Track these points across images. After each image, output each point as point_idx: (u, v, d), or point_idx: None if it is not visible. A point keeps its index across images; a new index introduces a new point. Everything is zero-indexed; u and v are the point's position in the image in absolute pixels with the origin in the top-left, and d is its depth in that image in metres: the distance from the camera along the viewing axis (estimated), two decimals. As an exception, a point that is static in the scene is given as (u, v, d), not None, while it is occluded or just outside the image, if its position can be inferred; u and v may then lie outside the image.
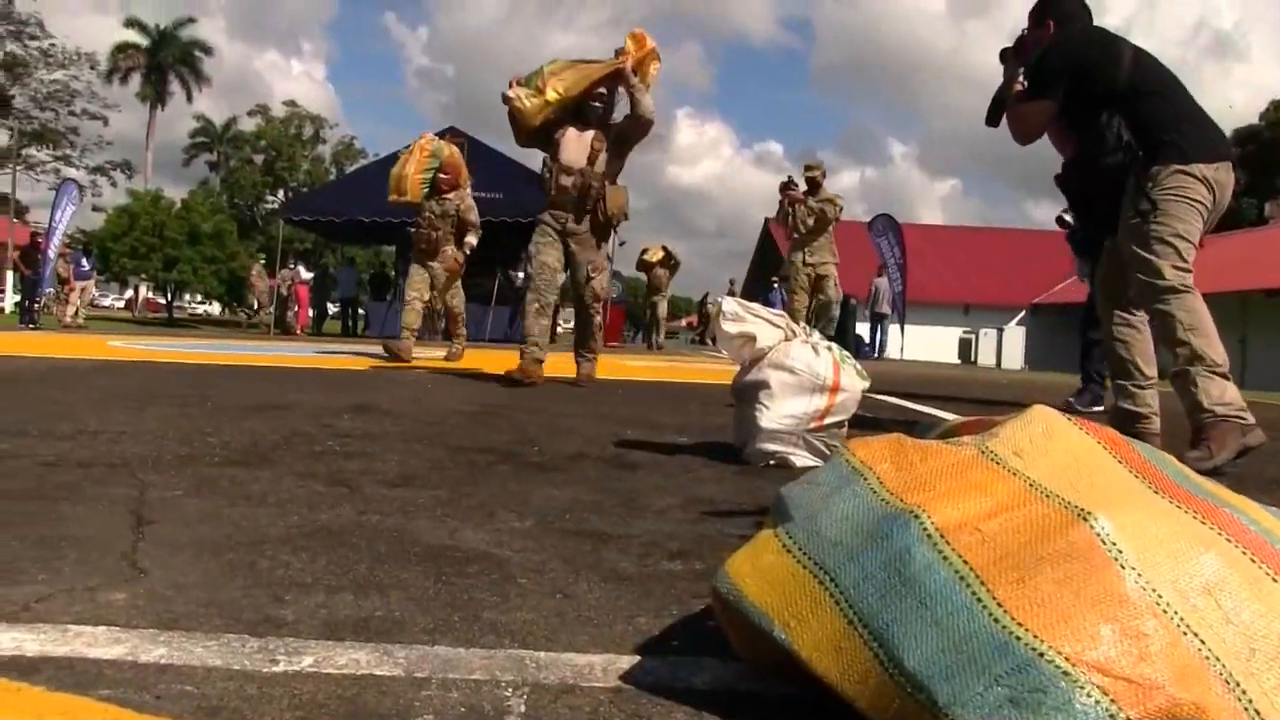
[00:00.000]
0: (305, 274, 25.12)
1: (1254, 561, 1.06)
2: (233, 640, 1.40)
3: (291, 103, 60.60)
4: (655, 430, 4.14)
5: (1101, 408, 6.11)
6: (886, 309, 22.36)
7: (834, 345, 3.38)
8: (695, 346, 28.14)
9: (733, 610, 1.20)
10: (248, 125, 59.22)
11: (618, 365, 10.75)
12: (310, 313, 28.64)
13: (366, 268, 44.53)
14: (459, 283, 9.86)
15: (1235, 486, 1.42)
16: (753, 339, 3.28)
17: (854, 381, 3.29)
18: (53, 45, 43.87)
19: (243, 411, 4.25)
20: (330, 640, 1.42)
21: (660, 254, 21.56)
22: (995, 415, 1.39)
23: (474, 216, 9.52)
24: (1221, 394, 3.74)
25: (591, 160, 6.38)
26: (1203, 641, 0.97)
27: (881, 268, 22.94)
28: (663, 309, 21.46)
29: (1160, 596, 0.98)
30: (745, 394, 3.32)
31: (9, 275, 37.49)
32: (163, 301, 48.31)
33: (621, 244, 23.35)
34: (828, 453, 3.25)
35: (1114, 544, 1.02)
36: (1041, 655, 0.94)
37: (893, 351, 21.79)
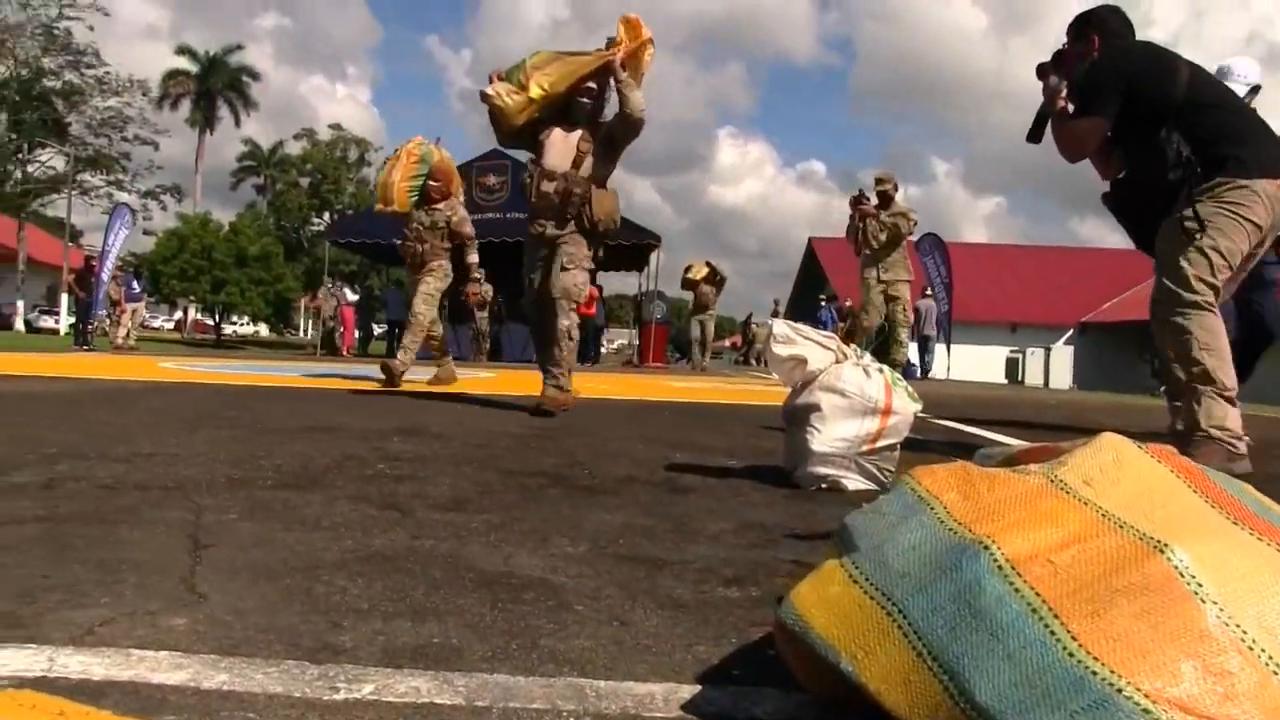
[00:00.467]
0: (350, 296, 25.28)
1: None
2: (293, 667, 1.40)
3: (337, 126, 61.48)
4: (704, 453, 4.13)
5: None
6: (932, 330, 22.15)
7: (885, 368, 3.36)
8: (739, 367, 28.06)
9: (798, 641, 1.19)
10: (294, 149, 60.11)
11: (662, 386, 10.74)
12: (356, 334, 28.91)
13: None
14: (437, 301, 8.93)
15: None
16: (804, 362, 3.26)
17: (906, 404, 3.26)
18: (107, 73, 44.69)
19: (293, 434, 4.28)
20: (389, 668, 1.42)
21: (705, 271, 20.84)
22: (1048, 438, 1.37)
23: (468, 228, 8.76)
24: (1223, 418, 3.70)
25: (576, 164, 5.87)
26: (1296, 682, 0.94)
27: (926, 288, 22.76)
28: (709, 328, 20.77)
29: (1245, 633, 0.96)
30: (796, 417, 3.30)
31: (64, 298, 38.16)
32: (210, 323, 48.96)
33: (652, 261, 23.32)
34: (880, 476, 3.23)
35: (1193, 577, 1.00)
36: (1120, 691, 0.92)
37: (938, 372, 21.60)
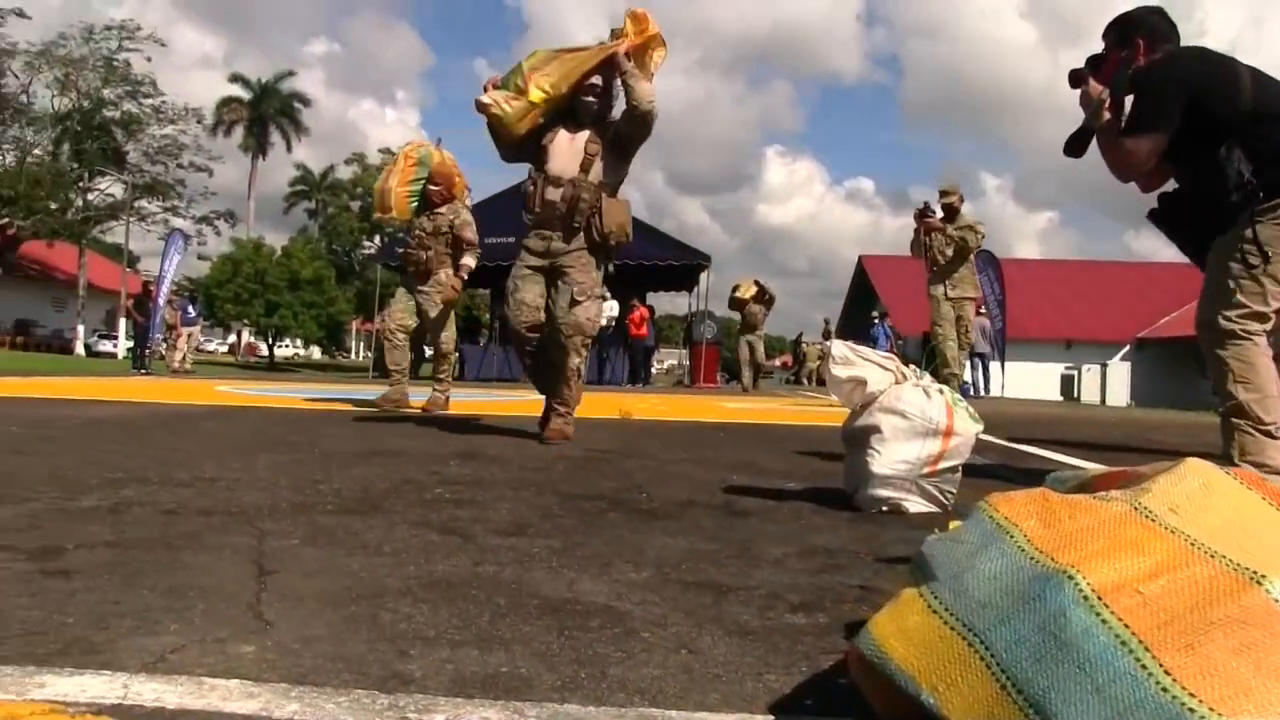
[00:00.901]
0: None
1: None
2: (363, 697, 1.40)
3: (387, 150, 61.92)
4: (762, 475, 4.10)
5: None
6: (986, 347, 21.93)
7: (945, 388, 3.32)
8: (790, 387, 27.94)
9: (876, 672, 1.17)
10: (345, 173, 60.75)
11: (715, 407, 10.72)
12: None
13: (460, 311, 45.09)
14: (452, 316, 8.34)
15: None
16: (863, 383, 3.24)
17: (967, 425, 3.22)
18: (164, 103, 45.54)
19: (351, 458, 4.31)
20: (459, 697, 1.41)
21: (753, 289, 20.13)
22: (1111, 458, 1.34)
23: (470, 233, 8.04)
24: (1258, 452, 3.60)
25: (585, 167, 5.34)
26: None
27: (980, 305, 22.55)
28: (759, 348, 20.10)
29: (1353, 670, 0.92)
30: (856, 439, 3.27)
31: (122, 322, 38.82)
32: (263, 346, 49.58)
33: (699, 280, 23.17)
34: (942, 499, 3.19)
35: (1295, 610, 0.97)
36: (1221, 729, 0.89)
37: (993, 390, 21.38)
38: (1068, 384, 30.34)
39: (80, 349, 43.88)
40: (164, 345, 25.07)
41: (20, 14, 41.64)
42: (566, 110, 5.39)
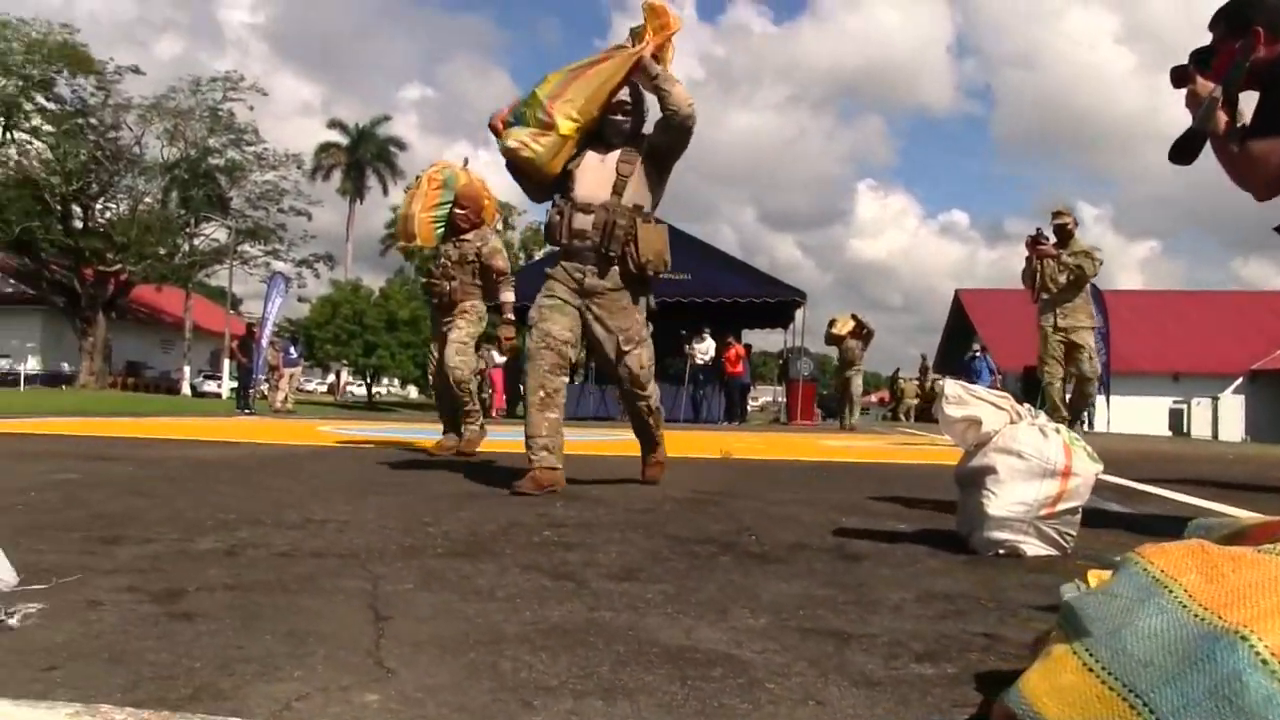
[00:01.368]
0: (498, 358, 25.72)
1: None
2: (491, 749, 1.38)
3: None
4: (872, 517, 4.03)
5: None
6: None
7: (1063, 427, 3.23)
8: (888, 423, 27.58)
9: (1028, 733, 1.12)
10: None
11: (816, 446, 10.61)
12: (505, 396, 29.35)
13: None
14: (472, 349, 7.66)
15: None
16: (977, 423, 3.16)
17: (1087, 465, 3.12)
18: (265, 149, 46.84)
19: (457, 500, 4.33)
20: (588, 751, 1.38)
21: (850, 324, 19.53)
22: (1238, 498, 1.27)
23: (501, 261, 7.44)
24: None
25: (617, 190, 4.75)
26: None
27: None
28: (857, 385, 19.50)
29: None
30: (970, 480, 3.20)
31: (226, 363, 39.87)
32: (360, 387, 50.43)
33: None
34: (1062, 541, 3.10)
35: None
36: None
37: (1099, 425, 20.86)
38: (1176, 418, 29.57)
39: (186, 389, 45.07)
40: (267, 386, 25.64)
41: (136, 70, 43.47)
42: (593, 132, 4.85)
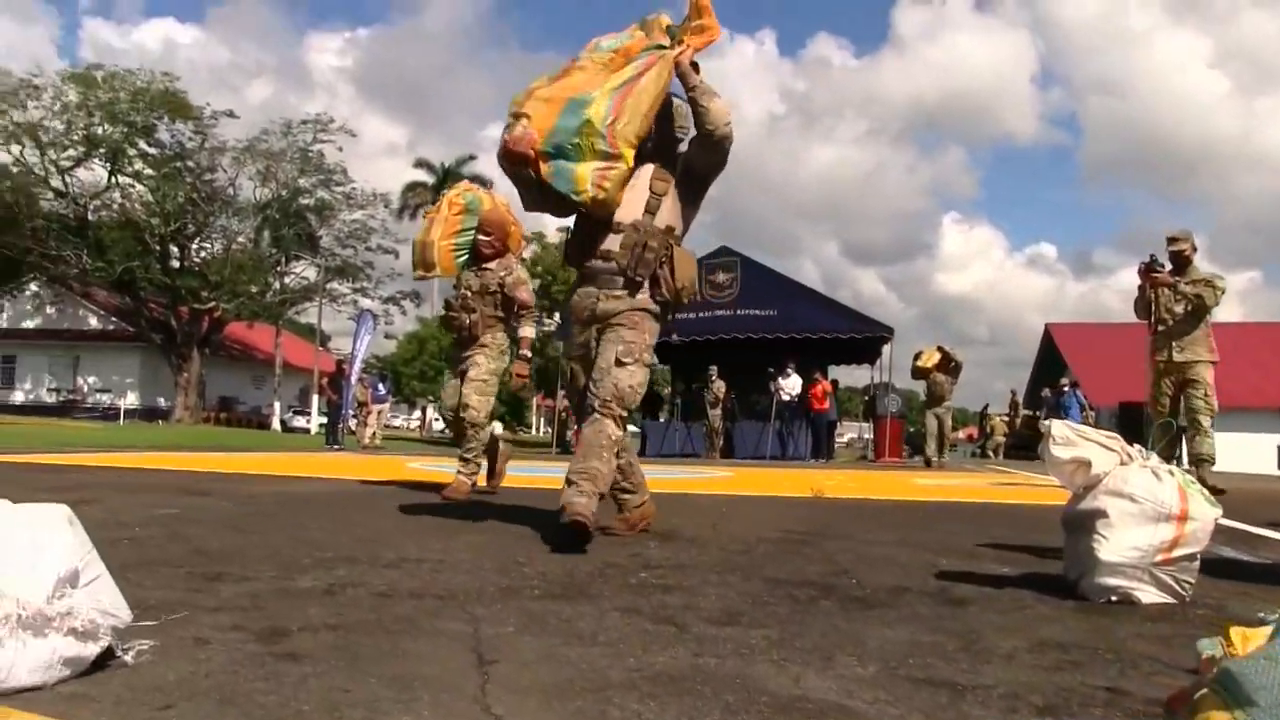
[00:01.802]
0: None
1: None
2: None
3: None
4: (972, 559, 3.93)
5: None
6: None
7: (1177, 470, 3.12)
8: (977, 460, 27.09)
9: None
10: (525, 252, 62.24)
11: (906, 484, 10.44)
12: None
13: (640, 386, 45.63)
14: (494, 390, 6.89)
15: None
16: (1086, 464, 3.07)
17: (1204, 510, 3.01)
18: (353, 189, 47.72)
19: (549, 539, 4.29)
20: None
21: (937, 357, 18.14)
22: None
23: (526, 293, 6.78)
24: None
25: (650, 209, 4.31)
26: None
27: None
28: (946, 421, 18.39)
29: None
30: (1080, 523, 3.10)
31: (315, 399, 40.53)
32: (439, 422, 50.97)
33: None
34: (1179, 589, 2.99)
35: None
36: None
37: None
38: (1286, 456, 28.63)
39: (276, 424, 45.87)
40: (355, 422, 25.98)
41: (230, 114, 44.83)
42: None
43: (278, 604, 2.67)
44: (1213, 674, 1.22)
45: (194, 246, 46.98)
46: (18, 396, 52.03)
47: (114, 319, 50.67)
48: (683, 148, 4.52)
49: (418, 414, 65.78)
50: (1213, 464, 8.42)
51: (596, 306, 4.33)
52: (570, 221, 4.63)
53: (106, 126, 42.15)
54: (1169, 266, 8.58)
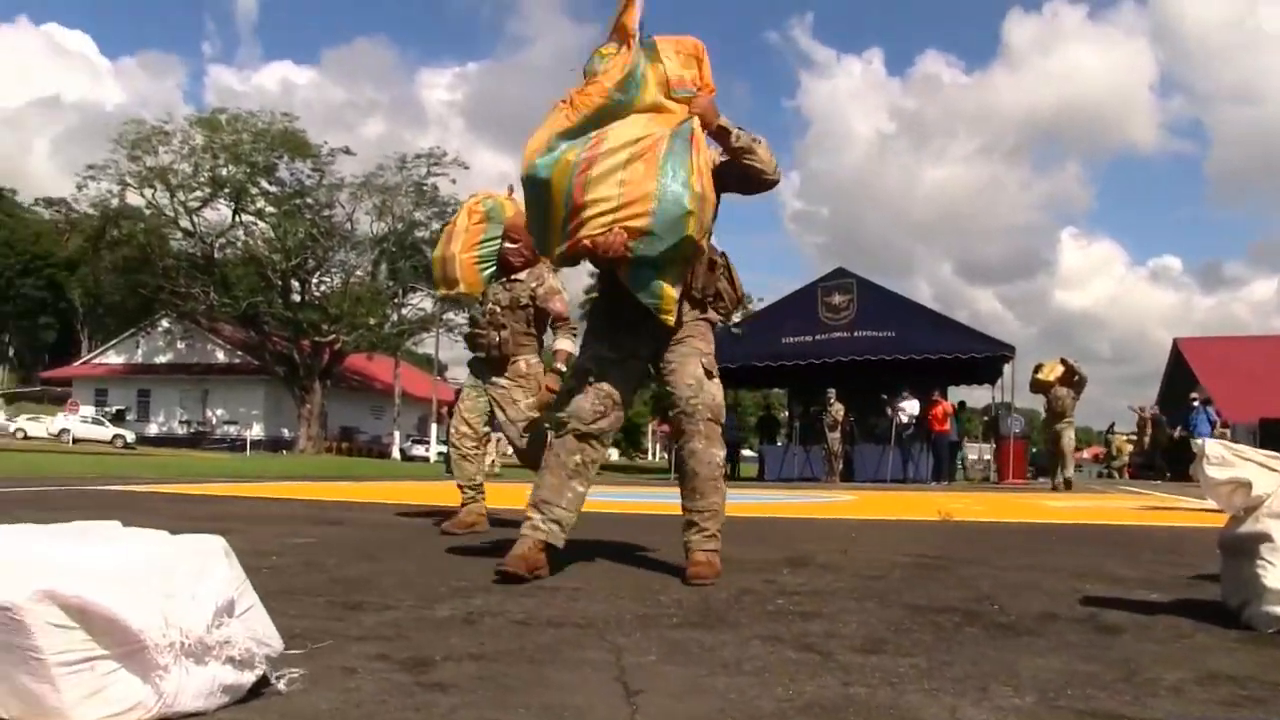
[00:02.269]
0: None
1: None
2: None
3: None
4: (1118, 585, 3.79)
5: None
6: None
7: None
8: (1105, 481, 26.33)
9: None
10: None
11: (1035, 507, 10.18)
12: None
13: (755, 409, 45.50)
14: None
15: None
16: (1246, 485, 2.93)
17: (1376, 532, 2.85)
18: (467, 223, 48.62)
19: (680, 566, 4.25)
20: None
21: (1059, 369, 17.20)
22: None
23: (560, 304, 6.04)
24: None
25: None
26: None
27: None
28: (1069, 438, 17.23)
29: None
30: (1241, 548, 2.96)
31: (434, 428, 41.21)
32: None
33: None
34: (1351, 616, 2.83)
35: None
36: None
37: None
38: None
39: (396, 453, 46.75)
40: (475, 450, 26.29)
41: (347, 151, 46.27)
42: None
43: (419, 633, 2.68)
44: None
45: (314, 281, 48.43)
46: (152, 429, 54.15)
47: (240, 353, 52.44)
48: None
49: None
50: None
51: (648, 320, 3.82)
52: None
53: (231, 167, 43.82)
54: None
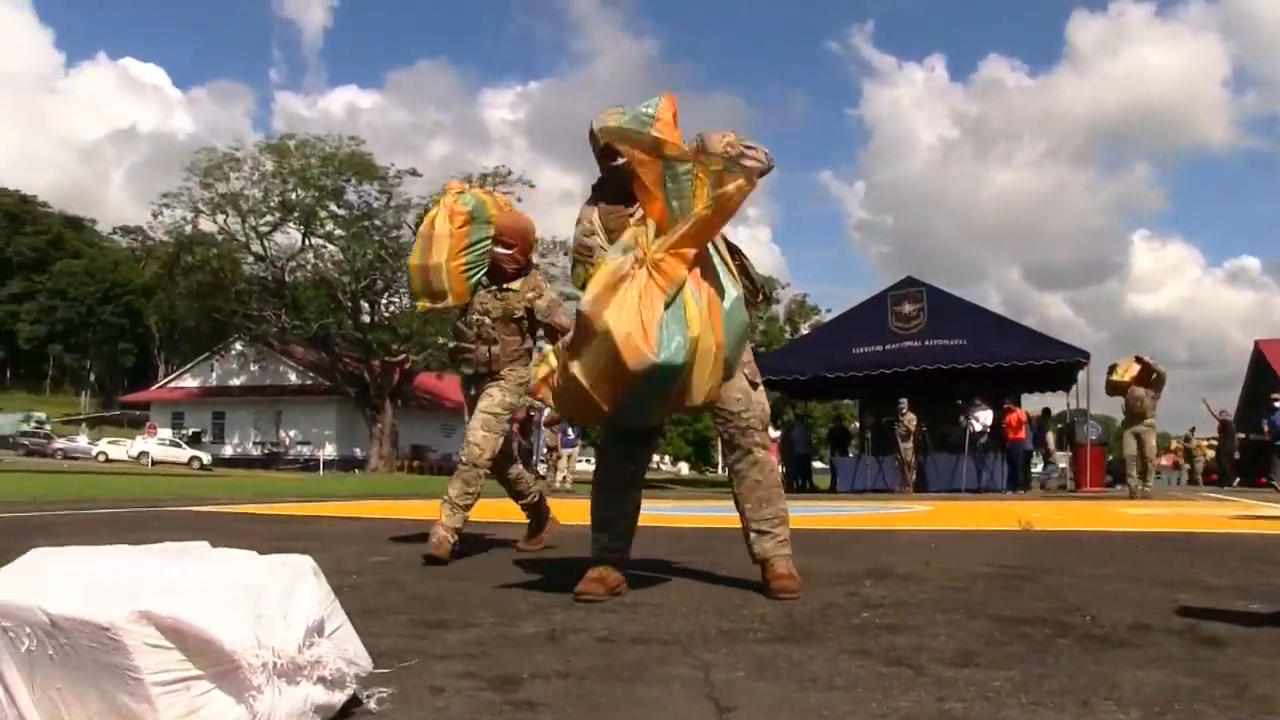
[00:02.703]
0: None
1: None
2: None
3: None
4: (1212, 594, 3.68)
5: None
6: None
7: None
8: (1187, 488, 25.76)
9: None
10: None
11: (1116, 515, 9.96)
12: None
13: (825, 421, 45.22)
14: (503, 426, 5.59)
15: None
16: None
17: None
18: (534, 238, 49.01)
19: (758, 580, 4.19)
20: None
21: (1135, 369, 16.31)
22: None
23: (563, 317, 5.29)
24: None
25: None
26: None
27: None
28: (1150, 442, 16.28)
29: None
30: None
31: (503, 445, 41.41)
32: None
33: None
34: None
35: None
36: None
37: None
38: None
39: (467, 471, 47.02)
40: (545, 466, 26.42)
41: (413, 173, 46.96)
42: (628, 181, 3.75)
43: (504, 650, 2.68)
44: None
45: (383, 301, 48.98)
46: (227, 450, 55.09)
47: (311, 374, 53.20)
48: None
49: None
50: None
51: None
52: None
53: (299, 191, 44.57)
54: None
